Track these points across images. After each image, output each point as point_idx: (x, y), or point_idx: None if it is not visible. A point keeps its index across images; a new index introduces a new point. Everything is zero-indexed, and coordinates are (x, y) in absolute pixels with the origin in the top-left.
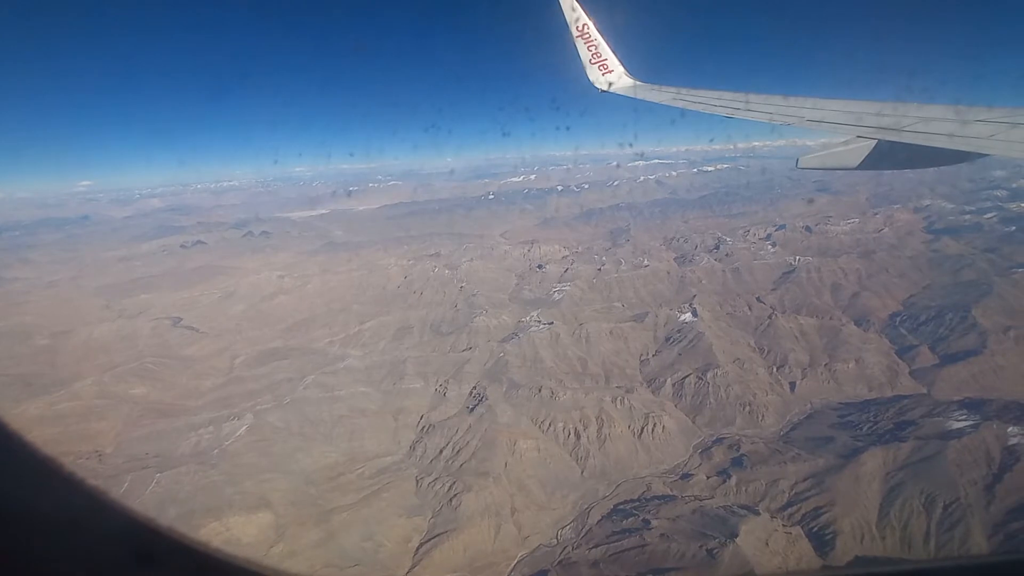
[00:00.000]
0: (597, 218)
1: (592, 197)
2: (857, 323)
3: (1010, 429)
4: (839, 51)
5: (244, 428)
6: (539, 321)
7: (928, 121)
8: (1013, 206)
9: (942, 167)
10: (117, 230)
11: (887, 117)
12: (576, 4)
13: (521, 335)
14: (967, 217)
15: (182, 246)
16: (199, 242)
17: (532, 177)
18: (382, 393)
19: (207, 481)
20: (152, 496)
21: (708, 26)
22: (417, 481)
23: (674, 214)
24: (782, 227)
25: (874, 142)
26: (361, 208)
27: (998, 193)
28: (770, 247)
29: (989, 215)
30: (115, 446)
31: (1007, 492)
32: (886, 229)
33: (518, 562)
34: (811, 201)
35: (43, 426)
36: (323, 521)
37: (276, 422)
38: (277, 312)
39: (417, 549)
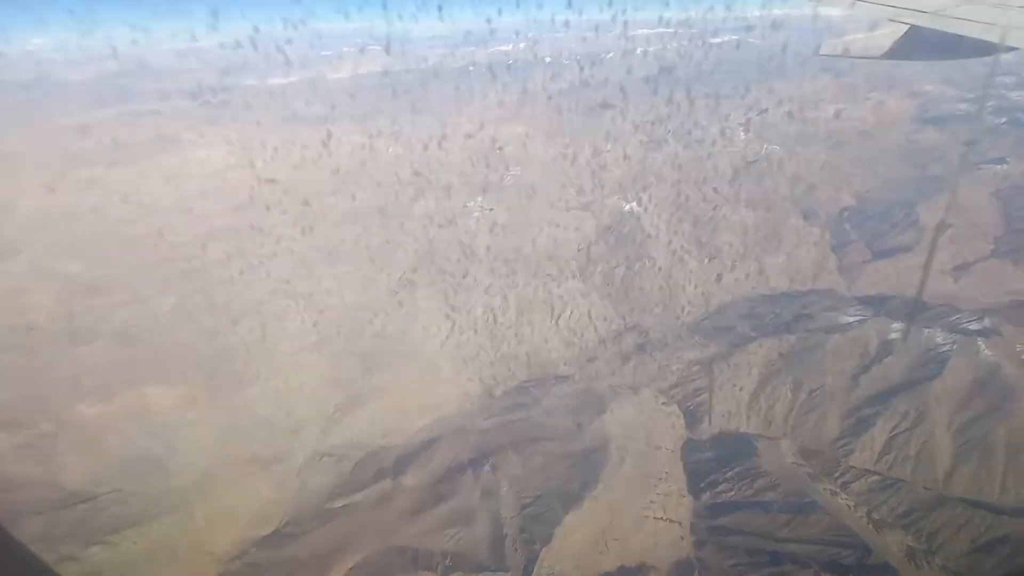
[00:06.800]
0: (578, 95)
1: (580, 72)
2: (805, 216)
3: (893, 324)
4: None
5: (169, 307)
6: (482, 207)
7: (970, 4)
8: (1015, 95)
9: None
10: (71, 95)
11: None
12: None
13: (460, 221)
14: (963, 106)
15: (135, 114)
16: (154, 111)
17: (522, 46)
18: (316, 277)
19: (126, 355)
20: (68, 369)
21: None
22: (337, 358)
23: (662, 92)
24: (763, 111)
25: (904, 28)
26: (332, 76)
27: (1006, 79)
28: (743, 133)
29: (987, 103)
30: (48, 321)
31: (870, 382)
32: (869, 117)
33: (418, 430)
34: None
35: None
36: (239, 393)
37: (202, 302)
38: (226, 189)
39: (331, 415)
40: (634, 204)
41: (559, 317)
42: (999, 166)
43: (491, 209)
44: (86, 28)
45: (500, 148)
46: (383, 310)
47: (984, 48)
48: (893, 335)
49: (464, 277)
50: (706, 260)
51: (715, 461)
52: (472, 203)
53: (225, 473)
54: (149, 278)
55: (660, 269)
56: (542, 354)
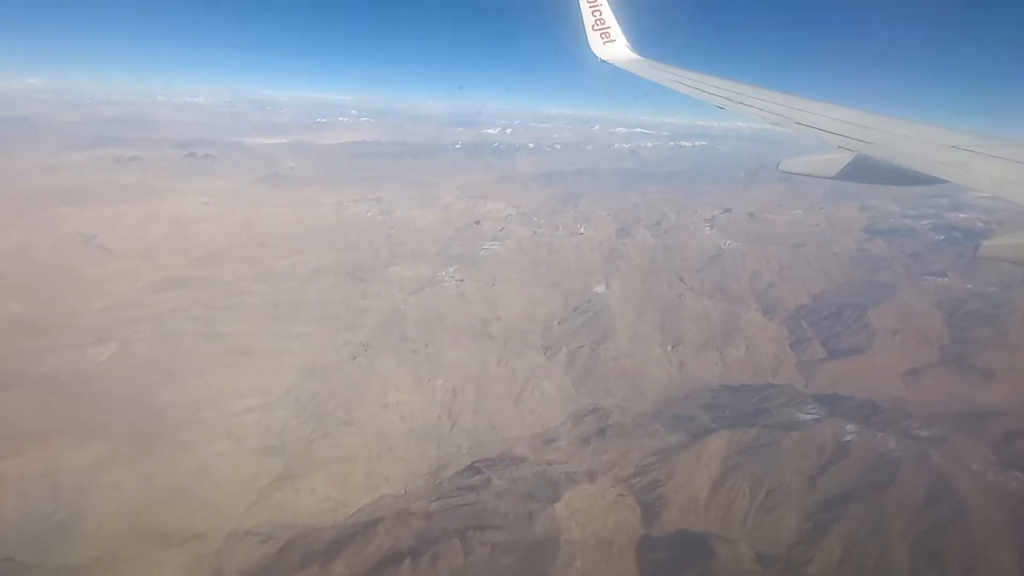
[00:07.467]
0: (557, 181)
1: (559, 159)
2: (764, 312)
3: (848, 426)
4: (858, 47)
5: (107, 355)
6: (452, 277)
7: (908, 140)
8: (951, 215)
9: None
10: (55, 135)
11: (872, 131)
12: None
13: (429, 289)
14: (906, 221)
15: (116, 160)
16: (135, 157)
17: (508, 131)
18: (272, 334)
19: (47, 405)
20: None
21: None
22: (282, 424)
23: (634, 186)
24: (728, 210)
25: (853, 154)
26: (323, 142)
27: (942, 201)
28: (708, 229)
29: (925, 221)
30: None
31: (828, 484)
32: (823, 224)
33: (358, 510)
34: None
35: None
36: (165, 455)
37: (145, 352)
38: (195, 239)
39: (263, 488)
40: (603, 287)
41: (520, 394)
42: (941, 279)
43: (462, 280)
44: (83, 72)
45: (477, 223)
46: (339, 374)
47: (920, 178)
48: (848, 436)
49: (427, 346)
50: (669, 347)
51: (671, 563)
52: (444, 272)
53: (133, 549)
54: (93, 323)
55: (624, 352)
56: (499, 432)
